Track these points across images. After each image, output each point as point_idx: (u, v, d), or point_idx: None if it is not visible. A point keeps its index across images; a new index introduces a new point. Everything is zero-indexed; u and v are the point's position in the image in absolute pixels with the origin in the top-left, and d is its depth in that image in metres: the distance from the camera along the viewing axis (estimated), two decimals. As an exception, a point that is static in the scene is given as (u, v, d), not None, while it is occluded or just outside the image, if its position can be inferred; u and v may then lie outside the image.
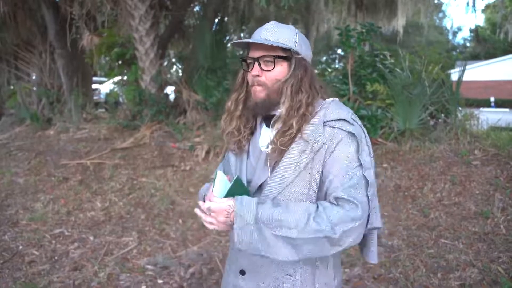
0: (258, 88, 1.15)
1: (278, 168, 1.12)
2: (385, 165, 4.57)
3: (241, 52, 1.21)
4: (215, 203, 1.08)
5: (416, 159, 4.57)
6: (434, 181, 4.14)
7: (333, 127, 1.11)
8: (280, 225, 1.02)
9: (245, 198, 1.07)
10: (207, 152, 5.55)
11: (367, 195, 1.06)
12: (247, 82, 1.21)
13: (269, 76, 1.14)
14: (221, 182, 1.11)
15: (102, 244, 3.62)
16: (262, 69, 1.14)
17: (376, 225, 1.08)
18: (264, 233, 1.03)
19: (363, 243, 1.18)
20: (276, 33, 1.13)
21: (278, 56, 1.13)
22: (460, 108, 5.22)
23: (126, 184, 4.93)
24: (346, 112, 1.14)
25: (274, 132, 1.15)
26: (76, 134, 6.88)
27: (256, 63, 1.14)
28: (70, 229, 3.89)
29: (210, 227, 1.10)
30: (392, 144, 4.97)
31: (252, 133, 1.25)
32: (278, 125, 1.14)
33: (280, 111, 1.14)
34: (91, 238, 3.72)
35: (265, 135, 1.21)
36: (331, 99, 1.20)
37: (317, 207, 1.06)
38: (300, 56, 1.15)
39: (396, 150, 4.84)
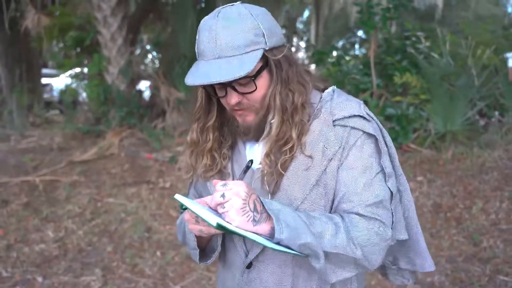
0: (245, 112, 1.14)
1: (280, 192, 1.14)
2: (420, 178, 4.56)
3: None
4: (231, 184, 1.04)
5: (461, 170, 4.56)
6: (487, 198, 4.12)
7: (346, 126, 1.13)
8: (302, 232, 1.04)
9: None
10: (192, 165, 5.53)
11: (390, 208, 1.13)
12: (217, 104, 1.20)
13: (252, 97, 1.12)
14: (192, 203, 1.06)
15: (54, 286, 3.56)
16: (241, 93, 1.10)
17: (402, 237, 1.20)
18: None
19: (413, 252, 1.28)
20: (235, 37, 1.04)
21: (257, 72, 1.08)
22: (520, 103, 5.22)
23: (87, 207, 4.89)
24: (357, 105, 1.16)
25: (267, 146, 1.15)
26: (21, 143, 6.85)
27: (230, 89, 1.09)
28: (10, 268, 3.82)
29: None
30: (429, 151, 4.96)
31: (231, 147, 1.25)
32: (268, 140, 1.14)
33: (268, 129, 1.13)
34: (40, 279, 3.66)
35: (253, 151, 1.21)
36: (330, 89, 1.21)
37: (342, 219, 1.10)
38: (278, 50, 1.10)
39: (434, 159, 4.82)
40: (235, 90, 1.09)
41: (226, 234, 1.28)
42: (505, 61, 5.45)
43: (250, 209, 1.01)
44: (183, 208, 1.05)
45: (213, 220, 0.97)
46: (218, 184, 1.04)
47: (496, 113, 5.39)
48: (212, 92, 1.16)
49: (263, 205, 1.03)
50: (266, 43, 1.07)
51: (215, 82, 1.03)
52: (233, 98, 1.10)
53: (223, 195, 1.01)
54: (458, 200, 4.19)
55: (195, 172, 1.26)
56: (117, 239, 4.31)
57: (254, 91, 1.10)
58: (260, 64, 1.08)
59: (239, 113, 1.15)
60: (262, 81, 1.11)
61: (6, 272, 3.77)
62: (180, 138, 6.34)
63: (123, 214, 4.74)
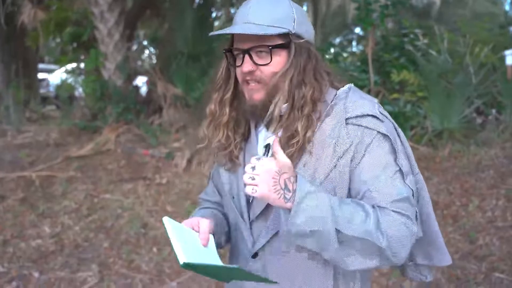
0: (255, 87, 1.17)
1: None
2: (417, 175, 4.57)
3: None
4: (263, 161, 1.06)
5: (458, 167, 4.57)
6: (483, 196, 4.13)
7: (359, 125, 1.13)
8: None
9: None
10: (189, 161, 5.54)
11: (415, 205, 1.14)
12: (235, 78, 1.23)
13: (265, 70, 1.15)
14: (178, 230, 1.11)
15: (51, 281, 3.57)
16: (256, 63, 1.14)
17: (419, 234, 1.19)
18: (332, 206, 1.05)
19: (431, 247, 1.29)
20: (267, 12, 1.13)
21: (275, 45, 1.13)
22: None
23: (84, 203, 4.90)
24: (371, 104, 1.17)
25: (274, 137, 1.15)
26: (17, 138, 6.83)
27: (247, 56, 1.14)
28: (6, 263, 3.83)
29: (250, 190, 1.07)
30: (426, 149, 4.97)
31: (245, 139, 1.28)
32: (277, 129, 1.16)
33: (272, 109, 1.15)
34: (36, 274, 3.67)
35: (265, 142, 1.23)
36: (346, 86, 1.22)
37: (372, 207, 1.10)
38: (302, 40, 1.16)
39: (431, 156, 4.84)
40: (251, 58, 1.14)
41: (234, 228, 1.31)
42: (503, 59, 5.46)
43: (281, 187, 1.04)
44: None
45: (182, 258, 1.01)
46: (253, 158, 1.08)
47: (493, 111, 5.41)
48: (231, 60, 1.20)
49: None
50: (293, 27, 1.13)
51: (233, 32, 1.14)
52: (246, 66, 1.14)
53: (253, 168, 1.05)
54: (455, 198, 4.21)
55: (210, 144, 1.28)
56: (114, 235, 4.31)
57: (268, 63, 1.14)
58: (281, 42, 1.14)
59: (249, 87, 1.17)
60: (278, 59, 1.15)
61: (3, 268, 3.76)
62: (176, 134, 6.34)
63: (120, 210, 4.74)
